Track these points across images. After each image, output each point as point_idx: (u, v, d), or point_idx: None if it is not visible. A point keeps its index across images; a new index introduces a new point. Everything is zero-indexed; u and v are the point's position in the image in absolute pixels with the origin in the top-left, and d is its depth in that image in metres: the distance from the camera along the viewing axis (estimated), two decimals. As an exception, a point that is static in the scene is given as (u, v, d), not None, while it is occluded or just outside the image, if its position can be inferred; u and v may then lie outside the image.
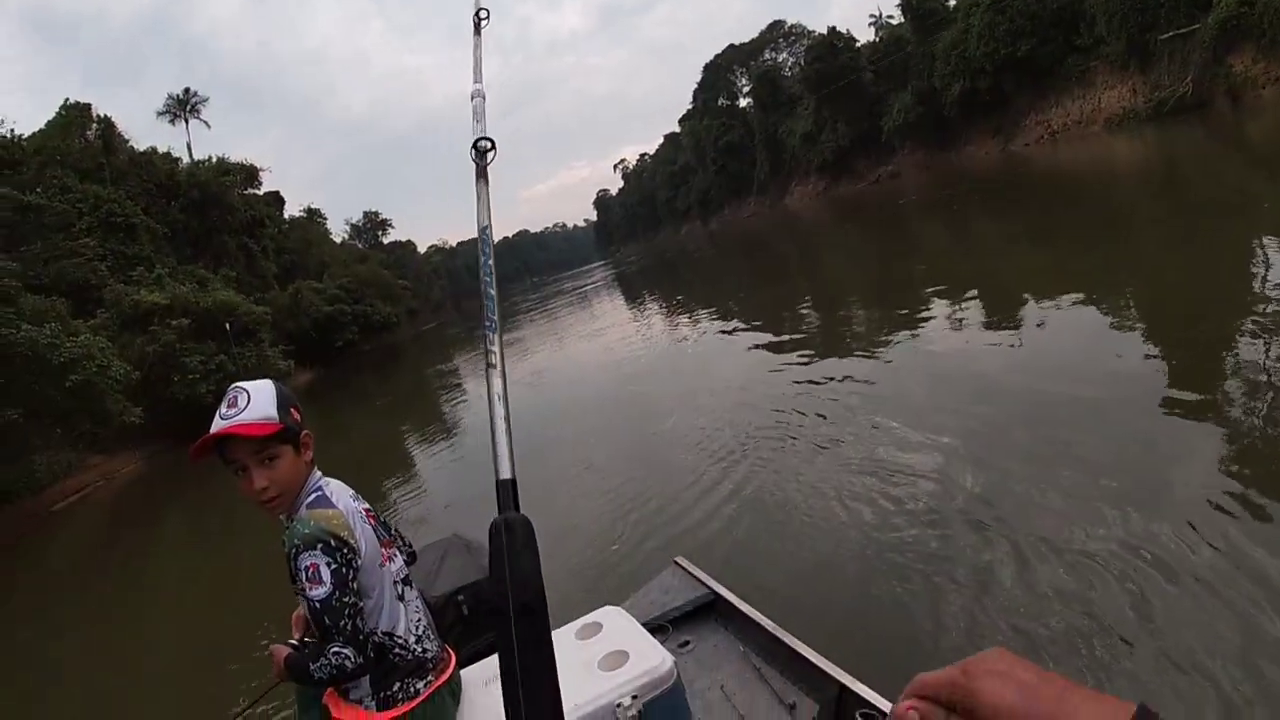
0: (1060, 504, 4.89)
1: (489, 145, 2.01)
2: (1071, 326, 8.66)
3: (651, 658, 2.16)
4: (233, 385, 2.06)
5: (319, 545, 1.92)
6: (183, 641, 8.97)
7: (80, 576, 16.05)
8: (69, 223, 41.77)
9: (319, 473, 2.14)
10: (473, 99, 2.40)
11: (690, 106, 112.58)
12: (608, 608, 2.58)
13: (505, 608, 1.36)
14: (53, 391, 27.04)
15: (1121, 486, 4.81)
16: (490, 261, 1.87)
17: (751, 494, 6.81)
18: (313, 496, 2.05)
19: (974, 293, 11.69)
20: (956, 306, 11.26)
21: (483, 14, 2.69)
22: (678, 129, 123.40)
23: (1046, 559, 4.36)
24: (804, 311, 15.96)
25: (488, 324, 1.74)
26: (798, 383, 9.75)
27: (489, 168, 2.01)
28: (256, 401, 2.00)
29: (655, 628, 3.17)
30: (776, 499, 6.51)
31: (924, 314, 11.31)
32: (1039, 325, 9.13)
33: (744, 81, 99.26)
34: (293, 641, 2.06)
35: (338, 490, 2.13)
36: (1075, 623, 3.77)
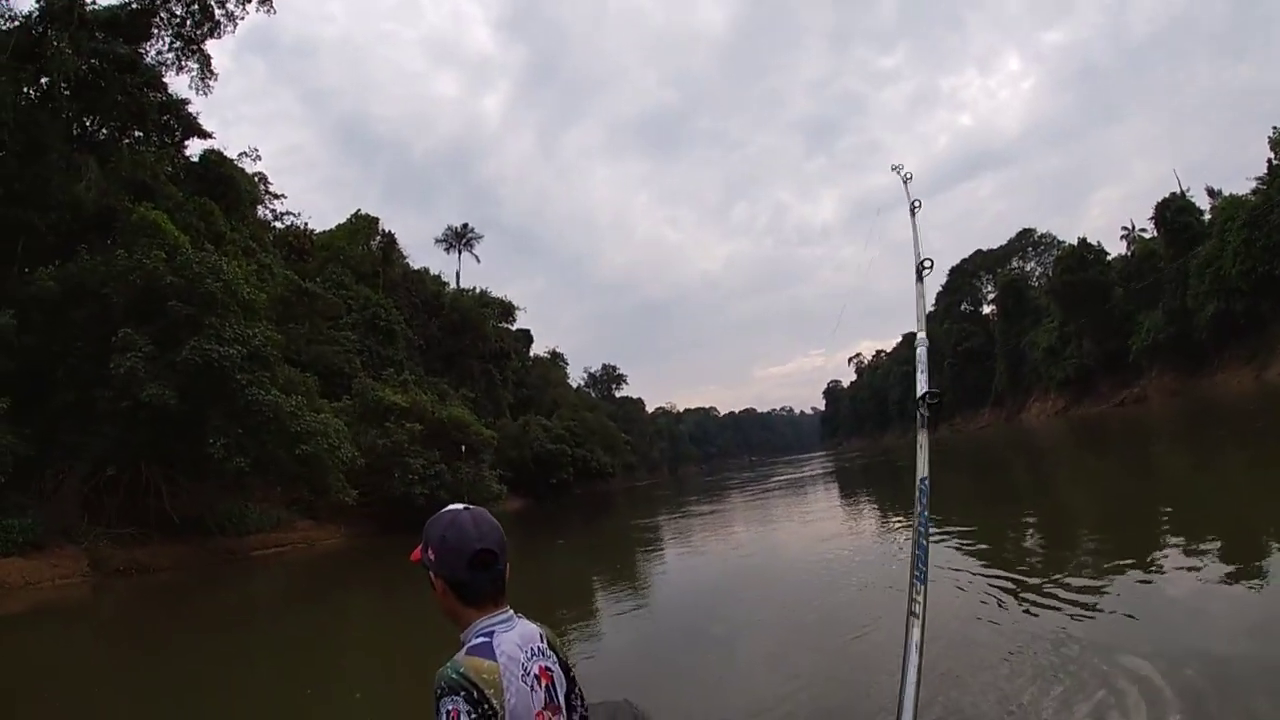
0: None
1: (936, 399, 2.52)
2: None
3: None
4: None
5: (461, 693, 1.82)
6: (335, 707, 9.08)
7: (261, 620, 16.97)
8: (337, 314, 47.66)
9: (499, 616, 2.01)
10: (916, 347, 2.85)
11: (932, 309, 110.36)
12: None
13: None
14: (283, 454, 29.85)
15: None
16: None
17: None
18: (477, 641, 1.95)
19: (1218, 544, 9.99)
20: (1196, 559, 9.65)
21: (926, 264, 3.07)
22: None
23: None
24: (1028, 539, 14.41)
25: None
26: (1019, 623, 8.24)
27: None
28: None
29: None
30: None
31: (1158, 562, 9.61)
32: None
33: (989, 288, 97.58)
34: None
35: (510, 641, 1.97)
36: None
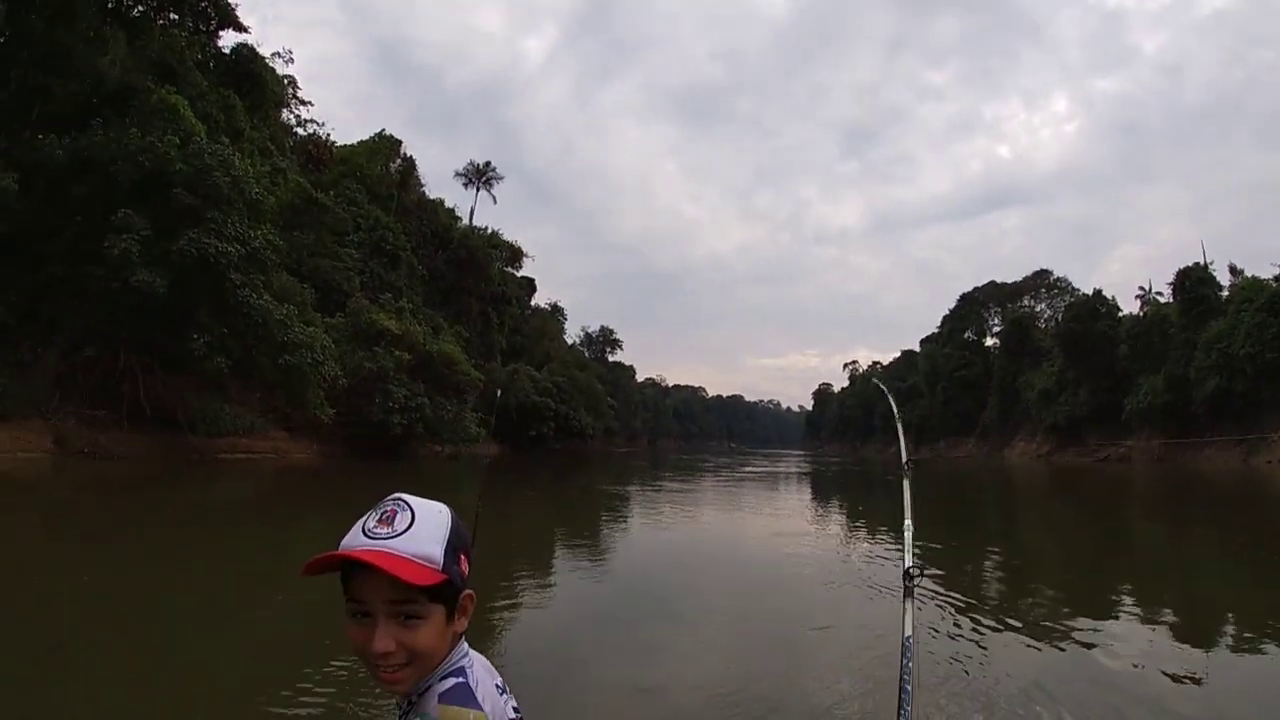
0: None
1: None
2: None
3: None
4: (393, 496, 1.37)
5: None
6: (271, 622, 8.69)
7: (220, 524, 16.69)
8: (344, 230, 47.15)
9: (466, 645, 1.42)
10: None
11: (936, 330, 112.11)
12: None
13: None
14: (266, 361, 29.51)
15: None
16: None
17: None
18: (451, 684, 1.33)
19: (1173, 618, 9.69)
20: (1150, 633, 9.41)
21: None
22: (917, 348, 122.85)
23: None
24: (987, 573, 14.09)
25: None
26: (961, 656, 7.78)
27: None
28: (421, 529, 1.31)
29: None
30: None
31: (1112, 630, 9.36)
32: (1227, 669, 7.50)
33: (995, 321, 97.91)
34: None
35: (483, 677, 1.40)
36: None
